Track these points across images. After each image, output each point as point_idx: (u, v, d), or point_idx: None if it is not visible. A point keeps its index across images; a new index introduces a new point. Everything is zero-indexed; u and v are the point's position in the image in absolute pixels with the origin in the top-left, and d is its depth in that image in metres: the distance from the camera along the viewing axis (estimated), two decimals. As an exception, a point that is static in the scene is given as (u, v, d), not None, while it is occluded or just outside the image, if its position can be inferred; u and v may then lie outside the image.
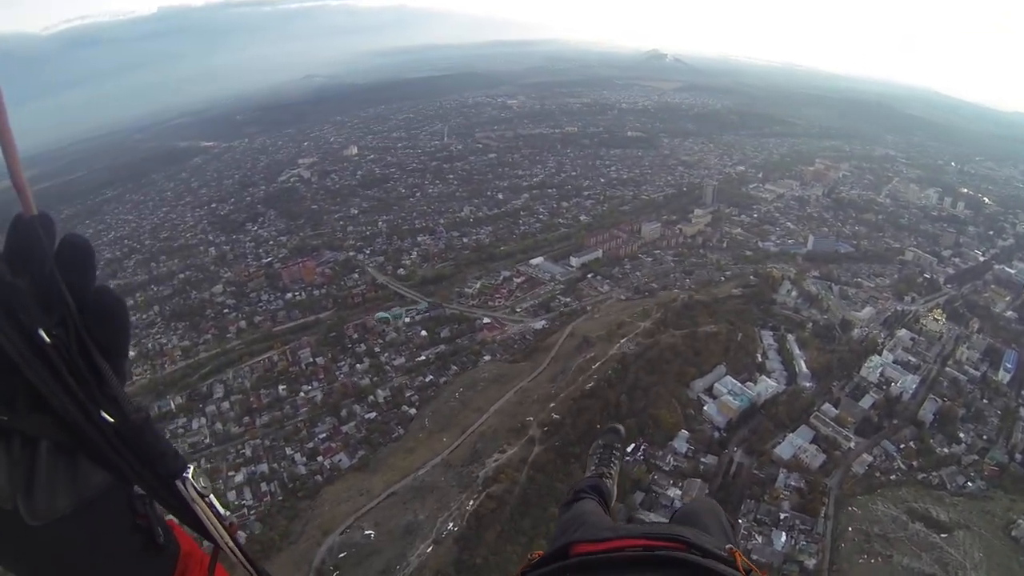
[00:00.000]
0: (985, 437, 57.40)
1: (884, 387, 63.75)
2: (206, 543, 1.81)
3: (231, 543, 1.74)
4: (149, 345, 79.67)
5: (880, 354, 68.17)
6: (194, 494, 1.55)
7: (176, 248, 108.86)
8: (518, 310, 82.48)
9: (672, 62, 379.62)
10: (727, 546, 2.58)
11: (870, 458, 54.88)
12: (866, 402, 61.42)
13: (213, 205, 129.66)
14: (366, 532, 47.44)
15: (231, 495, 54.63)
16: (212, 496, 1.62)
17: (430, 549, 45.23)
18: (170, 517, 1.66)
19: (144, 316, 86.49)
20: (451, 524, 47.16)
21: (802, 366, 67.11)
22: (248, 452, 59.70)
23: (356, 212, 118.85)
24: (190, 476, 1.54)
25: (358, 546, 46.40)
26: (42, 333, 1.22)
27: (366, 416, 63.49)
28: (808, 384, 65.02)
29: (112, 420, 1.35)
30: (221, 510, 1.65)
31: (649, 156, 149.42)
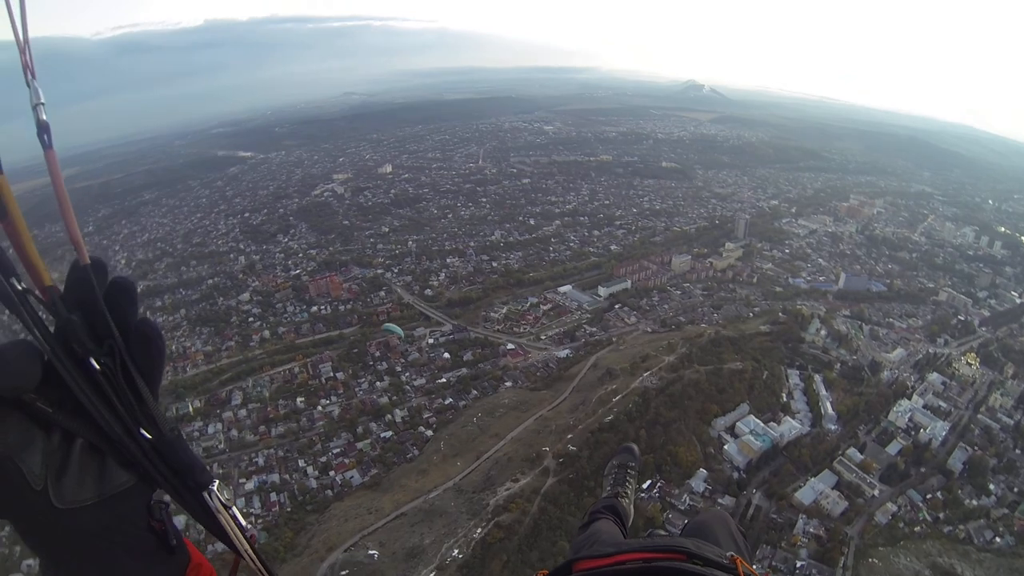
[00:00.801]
0: (1016, 490, 55.06)
1: (912, 433, 61.89)
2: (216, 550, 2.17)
3: (251, 552, 1.95)
4: (173, 347, 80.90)
5: (910, 398, 66.51)
6: (219, 505, 1.77)
7: (207, 254, 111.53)
8: (543, 337, 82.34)
9: (708, 93, 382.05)
10: (729, 554, 2.65)
11: (894, 507, 52.93)
12: (893, 448, 59.72)
13: (246, 214, 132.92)
14: (370, 552, 47.10)
15: (240, 502, 54.90)
16: (235, 508, 1.83)
17: (433, 574, 44.90)
18: (187, 535, 1.92)
19: (170, 318, 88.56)
20: (456, 551, 46.58)
21: (828, 408, 65.73)
22: (261, 461, 60.13)
23: (387, 230, 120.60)
24: (216, 489, 1.76)
25: (361, 565, 46.06)
26: (93, 361, 1.50)
27: (382, 435, 63.61)
28: (833, 427, 63.52)
29: (150, 437, 1.60)
30: (243, 521, 1.87)
31: (683, 187, 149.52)
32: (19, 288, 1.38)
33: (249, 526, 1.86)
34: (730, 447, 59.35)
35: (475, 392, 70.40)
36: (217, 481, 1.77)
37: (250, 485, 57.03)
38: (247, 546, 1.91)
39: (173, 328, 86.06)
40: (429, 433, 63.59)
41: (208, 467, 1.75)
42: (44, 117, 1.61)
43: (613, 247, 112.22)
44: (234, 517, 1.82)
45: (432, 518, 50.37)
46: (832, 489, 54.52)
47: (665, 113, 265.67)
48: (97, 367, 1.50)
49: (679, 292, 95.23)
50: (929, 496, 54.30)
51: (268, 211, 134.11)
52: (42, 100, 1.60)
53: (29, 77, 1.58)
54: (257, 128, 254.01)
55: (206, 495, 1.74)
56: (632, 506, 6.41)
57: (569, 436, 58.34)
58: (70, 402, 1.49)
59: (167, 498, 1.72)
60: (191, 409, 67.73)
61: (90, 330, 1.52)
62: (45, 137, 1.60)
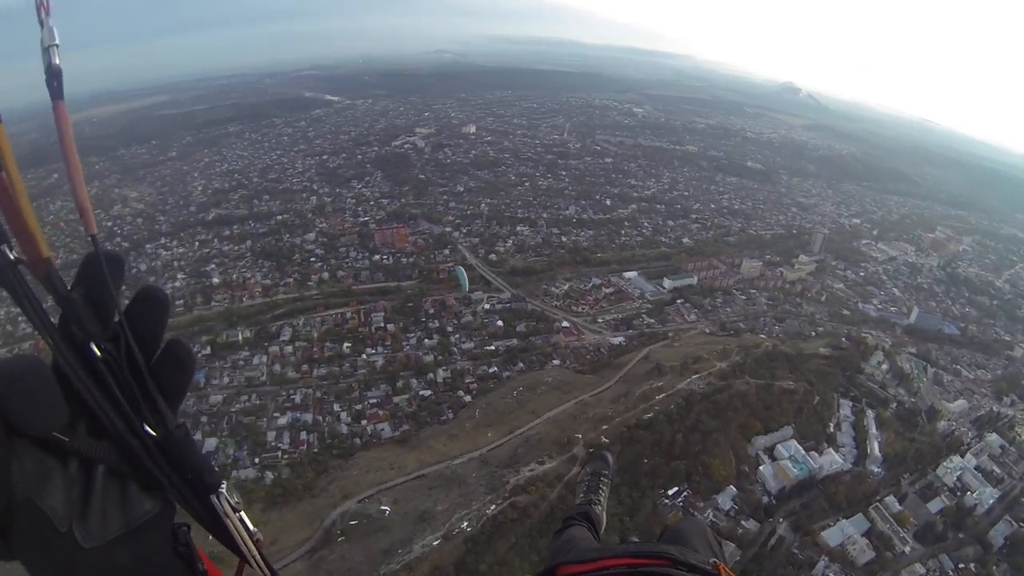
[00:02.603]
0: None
1: (958, 494, 56.94)
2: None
3: (258, 557, 1.84)
4: (234, 276, 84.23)
5: (963, 456, 61.24)
6: (228, 508, 1.67)
7: (280, 190, 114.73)
8: (599, 320, 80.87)
9: (805, 98, 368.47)
10: (711, 560, 2.73)
11: (923, 570, 48.79)
12: (935, 505, 55.17)
13: (324, 156, 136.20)
14: (382, 507, 47.34)
15: (270, 435, 56.73)
16: (243, 512, 1.74)
17: (437, 542, 44.34)
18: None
19: (236, 248, 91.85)
20: (466, 523, 46.09)
21: (875, 448, 61.64)
22: (298, 399, 61.60)
23: (462, 190, 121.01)
24: (224, 491, 1.66)
25: (370, 519, 46.35)
26: (93, 346, 1.36)
27: (420, 392, 63.94)
28: (877, 469, 59.49)
29: (155, 434, 1.47)
30: (251, 526, 1.77)
31: (765, 190, 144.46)
32: (10, 257, 1.23)
33: (256, 530, 1.80)
34: (765, 469, 56.60)
35: (521, 365, 69.75)
36: (225, 483, 1.68)
37: (283, 420, 58.57)
38: (255, 551, 1.82)
39: (237, 258, 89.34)
40: (467, 399, 63.47)
41: (216, 468, 1.66)
42: (57, 61, 1.39)
43: (685, 240, 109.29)
44: (242, 520, 1.75)
45: (450, 485, 50.13)
46: (862, 536, 51.08)
47: (757, 112, 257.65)
48: (98, 354, 1.36)
49: (744, 297, 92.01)
50: (962, 566, 49.79)
51: (346, 156, 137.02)
52: (56, 41, 1.40)
53: (43, 14, 1.40)
54: (347, 74, 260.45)
55: (214, 498, 1.64)
56: (604, 513, 6.39)
57: (604, 427, 56.76)
58: (85, 423, 1.36)
59: (185, 517, 1.64)
60: (240, 338, 70.11)
61: (93, 312, 1.38)
62: (55, 84, 1.38)
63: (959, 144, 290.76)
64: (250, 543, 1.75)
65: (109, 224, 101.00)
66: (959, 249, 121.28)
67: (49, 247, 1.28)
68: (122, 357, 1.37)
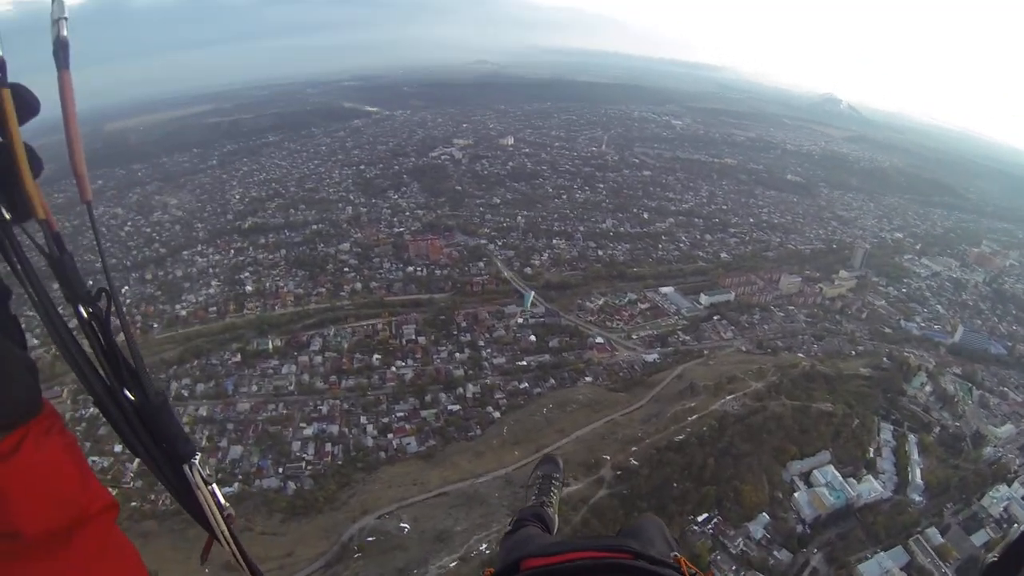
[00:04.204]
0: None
1: (1005, 525, 53.47)
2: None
3: (227, 534, 1.83)
4: (267, 284, 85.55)
5: (1010, 484, 57.70)
6: (199, 480, 1.68)
7: (316, 200, 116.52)
8: (634, 337, 79.75)
9: (846, 110, 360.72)
10: (672, 554, 2.90)
11: None
12: (979, 538, 51.87)
13: (362, 167, 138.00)
14: (402, 524, 46.89)
15: (295, 445, 57.02)
16: (215, 485, 1.74)
17: (454, 564, 43.41)
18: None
19: (270, 257, 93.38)
20: (484, 545, 45.00)
21: (917, 475, 58.75)
22: (325, 409, 61.88)
23: (498, 202, 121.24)
24: (197, 462, 1.67)
25: (388, 536, 45.96)
26: (80, 308, 1.39)
27: (449, 407, 63.66)
28: (918, 498, 56.67)
29: (133, 399, 1.50)
30: (222, 500, 1.77)
31: (804, 204, 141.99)
32: (5, 217, 1.27)
33: (227, 505, 1.78)
34: (800, 496, 54.25)
35: (552, 381, 69.02)
36: (199, 454, 1.70)
37: (309, 431, 58.91)
38: (224, 527, 1.81)
39: (271, 267, 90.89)
40: (496, 415, 62.96)
41: (191, 439, 1.69)
42: (64, 33, 1.41)
43: (723, 255, 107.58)
44: (213, 494, 1.76)
45: (472, 504, 49.42)
46: (901, 569, 48.21)
47: (798, 124, 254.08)
48: (85, 315, 1.39)
49: (782, 314, 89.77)
50: (1007, 604, 46.85)
51: (384, 166, 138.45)
52: (65, 15, 1.42)
53: None
54: (387, 85, 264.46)
55: (186, 468, 1.66)
56: (556, 515, 6.33)
57: (634, 448, 55.41)
58: None
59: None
60: (271, 347, 70.92)
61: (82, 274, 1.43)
62: (62, 55, 1.40)
63: (1004, 155, 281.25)
64: (220, 518, 1.74)
65: (148, 230, 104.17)
66: (1006, 264, 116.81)
67: (45, 209, 1.31)
68: (108, 320, 1.40)
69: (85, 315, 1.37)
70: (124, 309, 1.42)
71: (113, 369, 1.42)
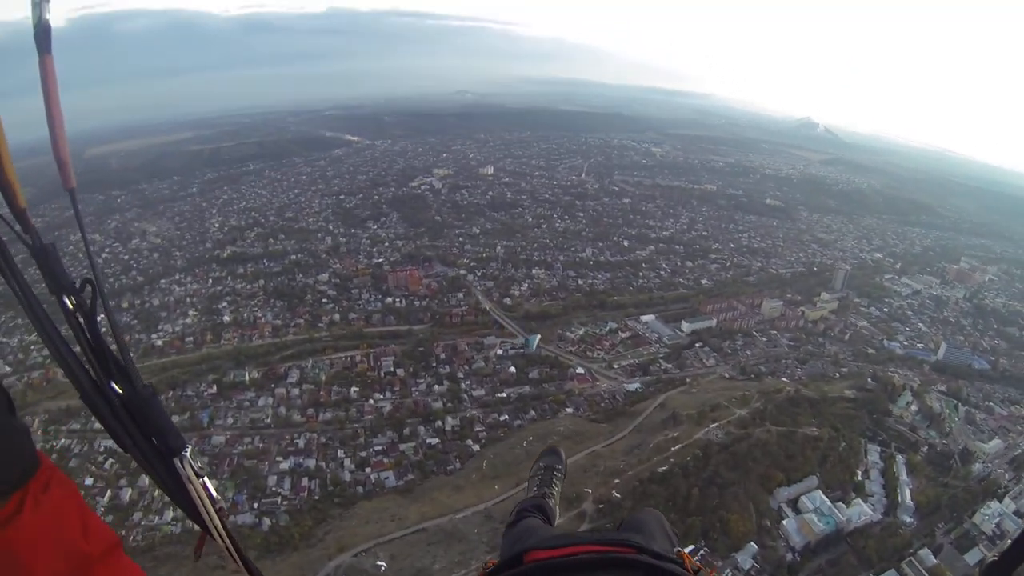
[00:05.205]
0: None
1: (998, 542, 53.56)
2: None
3: (220, 527, 1.82)
4: (245, 315, 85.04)
5: (1000, 500, 58.26)
6: (190, 473, 1.66)
7: (296, 229, 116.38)
8: (615, 366, 79.82)
9: (823, 133, 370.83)
10: (675, 549, 2.98)
11: None
12: (972, 556, 51.86)
13: (342, 196, 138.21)
14: (379, 563, 46.23)
15: (271, 480, 56.24)
16: (207, 479, 1.72)
17: None
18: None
19: (249, 287, 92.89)
20: None
21: (906, 496, 59.00)
22: (301, 443, 61.12)
23: (477, 232, 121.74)
24: (188, 455, 1.65)
25: (365, 575, 45.46)
26: (65, 299, 1.37)
27: (427, 440, 63.10)
28: (909, 519, 56.84)
29: (120, 392, 1.47)
30: (214, 493, 1.77)
31: (784, 228, 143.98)
32: None
33: (219, 499, 1.76)
34: (789, 523, 54.15)
35: (533, 413, 68.80)
36: (190, 447, 1.68)
37: (285, 465, 58.09)
38: (217, 521, 1.80)
39: (249, 297, 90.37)
40: (475, 448, 62.48)
41: (181, 433, 1.66)
42: (47, 16, 1.37)
43: (704, 281, 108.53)
44: (205, 487, 1.74)
45: (451, 541, 48.87)
46: None
47: (776, 148, 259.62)
48: (70, 306, 1.37)
49: (764, 339, 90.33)
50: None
51: (363, 196, 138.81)
52: None
53: None
54: (368, 115, 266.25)
55: (177, 462, 1.63)
56: (557, 507, 6.48)
57: (616, 481, 55.33)
58: None
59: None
60: (247, 378, 70.21)
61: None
62: (43, 39, 1.36)
63: (980, 172, 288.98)
64: (213, 512, 1.72)
65: (126, 258, 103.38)
66: (985, 279, 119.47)
67: (24, 199, 1.28)
68: (94, 311, 1.38)
69: (70, 306, 1.35)
70: (110, 301, 1.41)
71: (100, 361, 1.39)
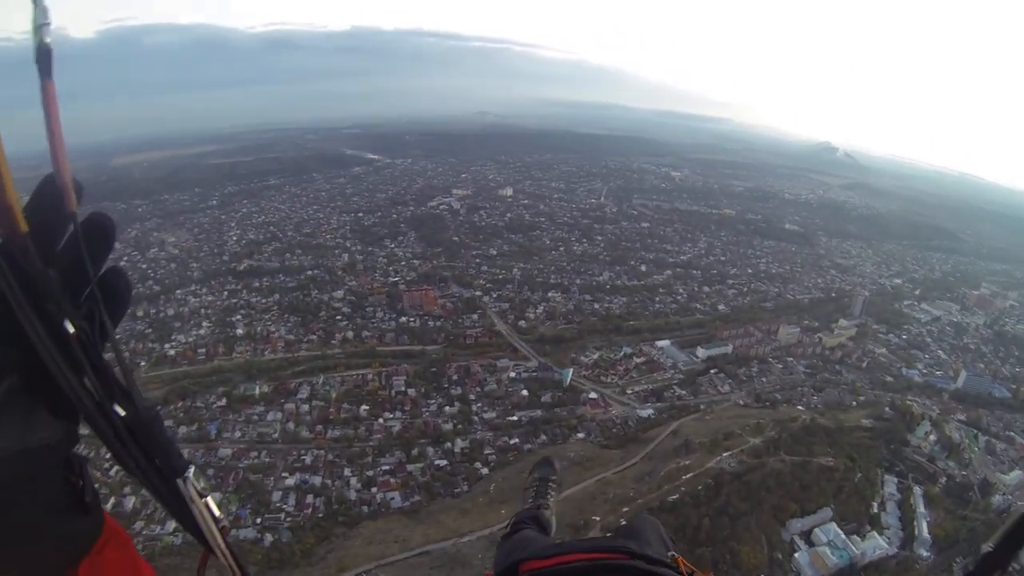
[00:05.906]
0: None
1: None
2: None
3: (223, 546, 1.79)
4: (259, 328, 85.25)
5: None
6: (193, 494, 1.63)
7: (313, 245, 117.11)
8: (628, 392, 79.04)
9: (842, 157, 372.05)
10: (669, 553, 3.05)
11: None
12: None
13: (360, 214, 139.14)
14: (379, 585, 45.87)
15: (276, 495, 55.91)
16: (210, 498, 1.69)
17: None
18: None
19: (263, 300, 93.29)
20: None
21: (924, 529, 57.26)
22: (308, 460, 60.77)
23: (495, 253, 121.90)
24: (191, 476, 1.62)
25: (363, 598, 44.79)
26: (68, 324, 1.32)
27: (436, 462, 62.50)
28: (925, 553, 55.05)
29: (123, 414, 1.43)
30: (217, 512, 1.72)
31: (803, 253, 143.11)
32: None
33: (222, 517, 1.74)
34: (801, 556, 52.63)
35: (544, 437, 68.04)
36: (193, 467, 1.65)
37: (291, 480, 57.73)
38: (220, 540, 1.77)
39: (263, 311, 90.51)
40: (484, 471, 61.74)
41: (183, 454, 1.64)
42: (48, 40, 1.33)
43: (721, 307, 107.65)
44: (208, 507, 1.70)
45: (454, 566, 47.90)
46: None
47: (795, 173, 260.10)
48: (72, 331, 1.32)
49: (780, 366, 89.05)
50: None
51: (382, 214, 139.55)
52: (48, 20, 1.32)
53: None
54: (388, 133, 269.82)
55: (180, 483, 1.61)
56: (553, 517, 6.44)
57: (625, 509, 53.83)
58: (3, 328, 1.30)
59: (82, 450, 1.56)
60: (257, 392, 70.13)
61: (69, 287, 1.34)
62: (44, 63, 1.31)
63: (1001, 197, 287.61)
64: (216, 531, 1.70)
65: (144, 267, 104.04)
66: (1006, 305, 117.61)
67: (27, 223, 1.26)
68: (96, 335, 1.36)
69: (73, 329, 1.32)
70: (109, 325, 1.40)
71: (102, 383, 1.36)
